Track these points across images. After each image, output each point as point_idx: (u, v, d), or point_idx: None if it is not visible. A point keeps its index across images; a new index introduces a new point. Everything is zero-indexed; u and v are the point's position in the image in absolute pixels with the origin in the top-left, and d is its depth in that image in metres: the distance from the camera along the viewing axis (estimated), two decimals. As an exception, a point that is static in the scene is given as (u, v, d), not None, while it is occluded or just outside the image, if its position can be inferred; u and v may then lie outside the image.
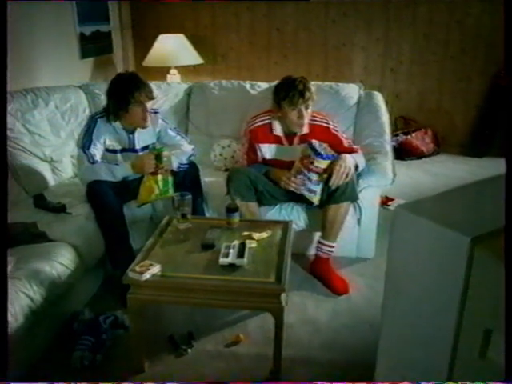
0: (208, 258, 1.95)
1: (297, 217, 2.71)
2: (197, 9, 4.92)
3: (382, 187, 2.82)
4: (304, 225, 2.73)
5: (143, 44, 4.82)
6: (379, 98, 3.25)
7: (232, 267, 1.86)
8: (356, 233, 2.80)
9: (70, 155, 3.06)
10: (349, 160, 2.48)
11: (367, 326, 2.24)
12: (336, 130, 2.71)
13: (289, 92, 2.50)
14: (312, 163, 2.44)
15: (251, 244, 2.03)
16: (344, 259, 2.80)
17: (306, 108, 2.54)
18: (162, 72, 4.58)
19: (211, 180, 2.94)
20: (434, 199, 1.26)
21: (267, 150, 2.70)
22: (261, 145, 2.69)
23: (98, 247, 2.42)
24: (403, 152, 4.71)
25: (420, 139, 4.78)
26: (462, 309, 1.21)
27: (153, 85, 3.39)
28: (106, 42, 4.51)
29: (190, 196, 2.18)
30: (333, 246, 2.63)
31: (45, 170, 2.92)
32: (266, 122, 2.68)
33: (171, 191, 2.50)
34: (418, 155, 4.75)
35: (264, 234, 2.13)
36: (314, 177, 2.46)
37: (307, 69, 4.84)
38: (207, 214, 2.76)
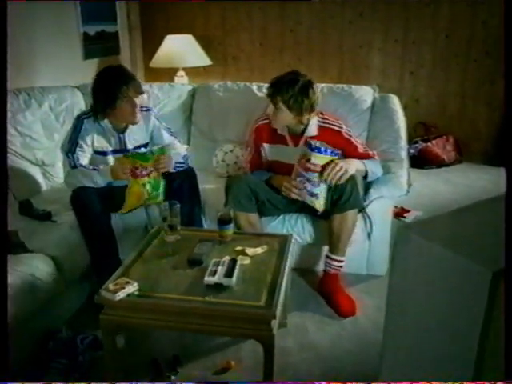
0: (194, 276, 1.74)
1: (301, 229, 2.50)
2: (207, 9, 4.76)
3: (396, 198, 2.58)
4: (309, 238, 2.51)
5: (152, 45, 4.64)
6: (395, 102, 3.00)
7: (218, 287, 1.65)
8: (366, 247, 2.56)
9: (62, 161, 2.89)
10: (353, 164, 2.30)
11: (376, 353, 1.99)
12: (349, 135, 2.49)
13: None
14: (308, 160, 2.21)
15: (243, 261, 1.82)
16: (353, 276, 2.57)
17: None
18: (170, 73, 4.43)
19: (211, 187, 2.74)
20: (446, 218, 1.04)
21: (270, 150, 2.51)
22: (265, 144, 2.51)
23: (83, 260, 2.23)
24: (422, 160, 4.44)
25: (441, 147, 4.50)
26: (481, 353, 1.00)
27: (155, 86, 3.30)
28: (113, 42, 4.37)
29: (178, 205, 1.98)
30: (341, 261, 2.40)
31: (35, 174, 2.77)
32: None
33: (161, 197, 2.29)
34: (439, 164, 4.48)
35: (259, 250, 1.91)
36: (314, 177, 2.23)
37: (322, 72, 4.63)
38: (205, 225, 2.55)
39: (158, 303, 1.60)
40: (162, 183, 2.30)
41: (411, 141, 4.39)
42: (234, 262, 1.77)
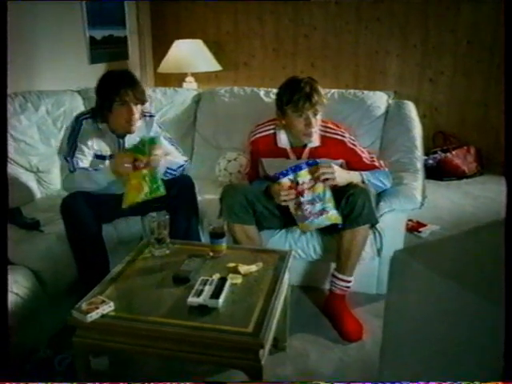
0: (178, 296, 1.57)
1: (305, 244, 2.32)
2: (219, 14, 4.64)
3: (408, 211, 2.38)
4: (314, 254, 2.33)
5: (163, 50, 4.53)
6: (411, 108, 2.82)
7: (203, 310, 1.48)
8: (376, 265, 2.37)
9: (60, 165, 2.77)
10: (345, 174, 2.15)
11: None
12: (353, 144, 2.30)
13: (293, 95, 2.12)
14: (297, 184, 2.07)
15: (235, 279, 1.65)
16: (361, 295, 2.37)
17: (315, 114, 2.15)
18: (179, 79, 4.33)
19: (212, 198, 2.57)
20: (456, 239, 0.86)
21: (270, 165, 2.31)
22: (263, 159, 2.32)
23: (69, 273, 2.08)
24: (442, 171, 4.22)
25: (461, 158, 4.27)
26: None
27: (158, 90, 3.17)
28: (121, 47, 4.26)
29: (167, 216, 1.83)
30: (349, 281, 2.21)
31: (29, 181, 2.64)
32: (270, 132, 2.31)
33: (162, 189, 2.12)
34: (459, 175, 4.24)
35: (253, 267, 1.73)
36: (310, 195, 2.07)
37: (336, 78, 4.47)
38: (203, 239, 2.39)
39: (133, 326, 1.43)
40: (158, 175, 2.13)
41: (430, 151, 4.18)
42: (223, 280, 1.60)
